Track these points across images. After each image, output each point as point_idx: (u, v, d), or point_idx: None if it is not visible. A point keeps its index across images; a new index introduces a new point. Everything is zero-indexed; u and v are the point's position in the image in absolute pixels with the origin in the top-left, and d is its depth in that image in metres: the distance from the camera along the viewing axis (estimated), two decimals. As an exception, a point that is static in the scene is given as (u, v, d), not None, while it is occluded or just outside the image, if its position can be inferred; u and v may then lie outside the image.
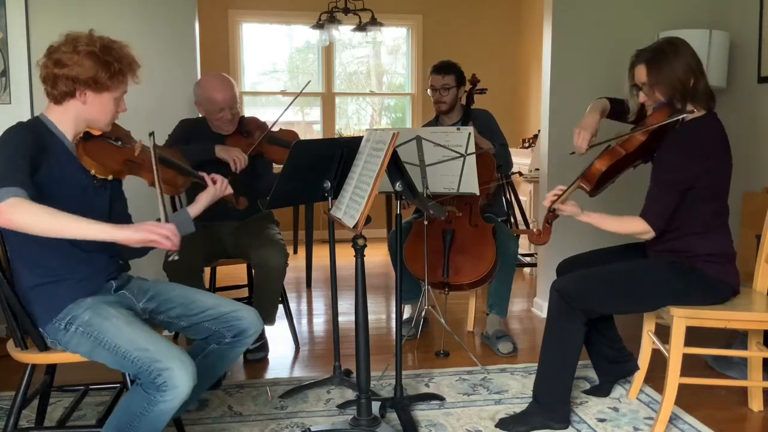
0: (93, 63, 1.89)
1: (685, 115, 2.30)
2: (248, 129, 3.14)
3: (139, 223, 1.81)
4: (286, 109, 3.08)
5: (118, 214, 2.15)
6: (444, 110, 3.56)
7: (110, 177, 2.03)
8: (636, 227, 2.32)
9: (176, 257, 1.81)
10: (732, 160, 2.37)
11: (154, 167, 2.00)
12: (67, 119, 1.95)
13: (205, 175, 2.28)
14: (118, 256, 2.12)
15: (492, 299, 3.43)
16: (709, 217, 2.33)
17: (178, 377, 1.77)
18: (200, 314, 2.10)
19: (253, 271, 3.06)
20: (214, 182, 2.27)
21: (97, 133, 2.02)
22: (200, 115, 3.25)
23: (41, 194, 1.81)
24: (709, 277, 2.32)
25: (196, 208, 2.24)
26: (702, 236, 2.34)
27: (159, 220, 1.84)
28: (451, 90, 3.52)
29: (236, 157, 2.95)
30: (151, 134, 2.06)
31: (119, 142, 2.07)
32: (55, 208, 1.77)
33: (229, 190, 2.30)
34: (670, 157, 2.30)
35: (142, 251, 2.10)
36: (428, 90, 3.58)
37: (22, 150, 1.80)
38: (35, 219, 1.67)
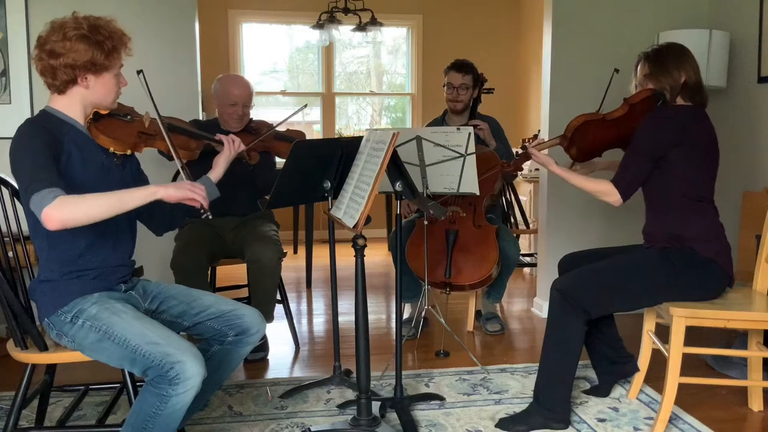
0: (86, 46, 1.87)
1: (664, 92, 2.42)
2: (255, 128, 3.23)
3: (177, 182, 1.89)
4: (288, 118, 3.13)
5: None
6: (459, 109, 3.60)
7: (129, 152, 2.06)
8: (602, 187, 2.42)
9: (210, 216, 1.94)
10: (716, 153, 2.42)
11: (163, 131, 2.08)
12: (74, 106, 1.96)
13: (221, 136, 2.34)
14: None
15: (489, 288, 3.56)
16: (692, 201, 2.38)
17: (190, 369, 1.77)
18: (202, 313, 2.10)
19: (247, 268, 3.07)
20: (227, 142, 2.33)
21: (105, 112, 2.04)
22: (212, 117, 3.36)
23: (69, 183, 1.84)
24: (700, 257, 2.33)
25: (216, 173, 2.28)
26: (688, 218, 2.38)
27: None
28: (469, 90, 3.57)
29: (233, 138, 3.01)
30: (140, 72, 2.09)
31: (128, 117, 2.11)
32: (83, 192, 1.83)
33: (243, 147, 2.36)
34: (644, 126, 2.39)
35: (171, 224, 2.23)
36: (444, 87, 3.61)
37: (44, 148, 1.82)
38: (84, 209, 1.72)
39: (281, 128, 3.15)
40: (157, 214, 2.22)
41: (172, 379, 1.77)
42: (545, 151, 2.64)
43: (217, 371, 2.11)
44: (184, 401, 1.79)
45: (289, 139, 3.12)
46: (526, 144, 2.60)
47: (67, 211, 1.69)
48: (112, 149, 2.01)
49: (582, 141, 2.52)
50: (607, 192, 2.40)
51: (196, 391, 1.79)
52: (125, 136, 2.06)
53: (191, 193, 1.86)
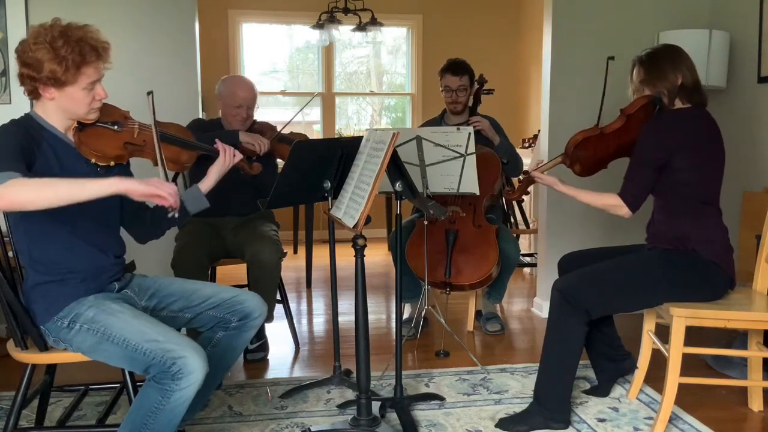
0: (46, 59, 1.81)
1: (662, 97, 2.41)
2: (260, 130, 3.24)
3: (145, 179, 1.77)
4: (295, 115, 3.17)
5: (129, 198, 2.15)
6: (459, 111, 3.61)
7: (112, 163, 2.01)
8: (610, 201, 2.42)
9: (176, 215, 1.86)
10: (720, 153, 2.41)
11: (156, 143, 1.99)
12: (51, 114, 1.93)
13: (218, 142, 2.27)
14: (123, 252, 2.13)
15: (489, 288, 3.56)
16: (697, 204, 2.38)
17: (193, 364, 1.77)
18: (202, 303, 2.11)
19: (247, 267, 3.07)
20: (223, 152, 2.25)
21: (90, 121, 1.98)
22: (215, 117, 3.35)
23: None
24: (702, 259, 2.33)
25: (207, 183, 2.23)
26: (692, 221, 2.38)
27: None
28: (467, 90, 3.60)
29: (260, 141, 3.07)
30: (150, 93, 2.01)
31: (116, 126, 2.03)
32: None
33: (239, 157, 2.29)
34: (644, 136, 2.39)
35: (157, 231, 2.18)
36: (441, 91, 3.63)
37: (15, 141, 1.80)
38: (36, 191, 1.64)
39: (284, 131, 3.17)
40: (138, 223, 2.19)
41: (175, 374, 1.77)
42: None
43: (223, 357, 2.13)
44: (186, 396, 1.79)
45: (289, 141, 3.12)
46: (528, 169, 2.60)
47: (18, 190, 1.62)
48: (93, 160, 1.97)
49: (584, 157, 2.52)
50: (616, 205, 2.40)
51: (198, 386, 1.80)
52: (109, 147, 2.00)
53: (156, 189, 1.73)
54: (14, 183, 1.64)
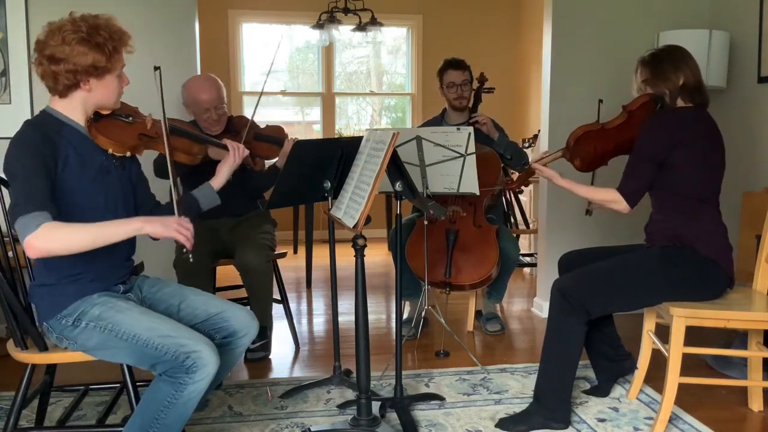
0: (86, 49, 1.84)
1: (664, 96, 2.43)
2: (236, 128, 3.14)
3: (165, 217, 1.87)
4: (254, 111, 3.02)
5: (143, 194, 2.18)
6: (464, 106, 3.61)
7: (128, 153, 2.04)
8: (608, 196, 2.43)
9: (191, 258, 1.91)
10: (719, 152, 2.41)
11: (165, 137, 2.04)
12: (75, 108, 1.93)
13: (227, 141, 2.30)
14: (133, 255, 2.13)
15: (490, 288, 3.56)
16: (696, 202, 2.38)
17: (207, 357, 1.78)
18: (187, 315, 2.05)
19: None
20: (232, 149, 2.28)
21: (106, 112, 2.02)
22: (191, 118, 3.27)
23: (66, 187, 1.83)
24: (701, 257, 2.33)
25: (218, 180, 2.27)
26: (691, 219, 2.38)
27: (173, 207, 1.98)
28: (469, 84, 3.61)
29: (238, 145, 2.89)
30: (157, 68, 2.05)
31: (130, 118, 2.08)
32: (82, 195, 1.85)
33: (246, 152, 2.32)
34: (644, 132, 2.40)
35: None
36: (445, 87, 3.62)
37: (37, 162, 1.78)
38: (66, 242, 1.71)
39: (261, 125, 3.10)
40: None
41: (189, 367, 1.77)
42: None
43: None
44: (199, 389, 1.79)
45: (267, 139, 3.04)
46: (535, 161, 2.61)
47: (49, 242, 1.69)
48: (110, 150, 1.99)
49: (584, 152, 2.54)
50: (614, 200, 2.41)
51: (211, 379, 1.80)
52: (125, 137, 2.03)
53: (176, 233, 1.83)
54: (46, 229, 1.68)
